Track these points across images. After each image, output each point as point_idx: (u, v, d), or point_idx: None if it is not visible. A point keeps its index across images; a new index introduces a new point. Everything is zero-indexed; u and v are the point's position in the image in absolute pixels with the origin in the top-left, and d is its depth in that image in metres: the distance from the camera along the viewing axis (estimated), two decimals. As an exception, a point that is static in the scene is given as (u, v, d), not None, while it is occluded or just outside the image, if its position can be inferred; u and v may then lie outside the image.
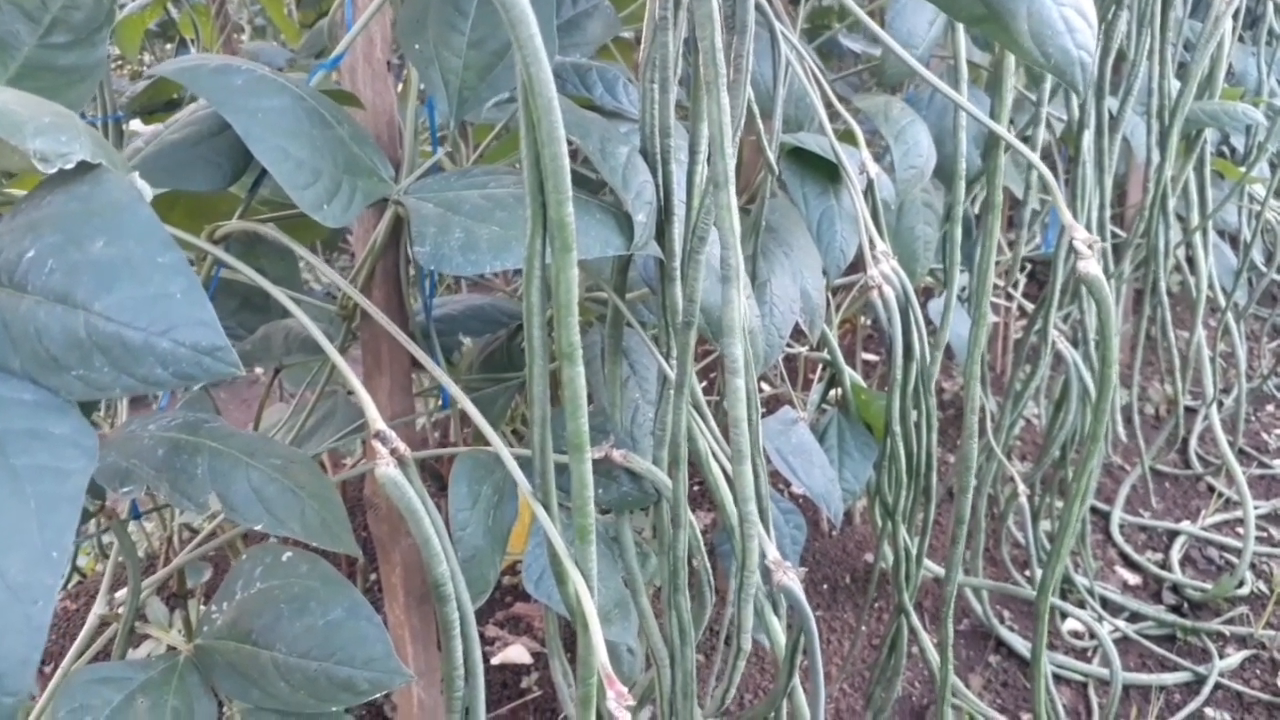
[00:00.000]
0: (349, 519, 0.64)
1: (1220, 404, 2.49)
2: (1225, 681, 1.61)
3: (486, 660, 1.38)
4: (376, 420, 0.53)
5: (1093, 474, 1.57)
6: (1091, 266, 0.63)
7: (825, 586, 1.79)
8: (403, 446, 0.54)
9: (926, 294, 1.81)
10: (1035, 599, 0.83)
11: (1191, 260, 1.86)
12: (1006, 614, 1.73)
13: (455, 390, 0.63)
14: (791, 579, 0.77)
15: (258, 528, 0.65)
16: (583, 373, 0.49)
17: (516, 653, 1.53)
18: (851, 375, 1.30)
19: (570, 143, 0.58)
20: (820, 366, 1.71)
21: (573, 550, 0.53)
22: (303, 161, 0.58)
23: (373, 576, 1.71)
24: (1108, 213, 1.38)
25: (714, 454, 0.82)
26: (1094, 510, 2.05)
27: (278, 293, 0.62)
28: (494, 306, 1.12)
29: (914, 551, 1.11)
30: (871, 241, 0.95)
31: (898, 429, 0.99)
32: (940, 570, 1.69)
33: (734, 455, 0.70)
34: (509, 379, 1.08)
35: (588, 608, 0.51)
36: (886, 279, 0.97)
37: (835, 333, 1.61)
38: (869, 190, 1.01)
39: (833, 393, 1.35)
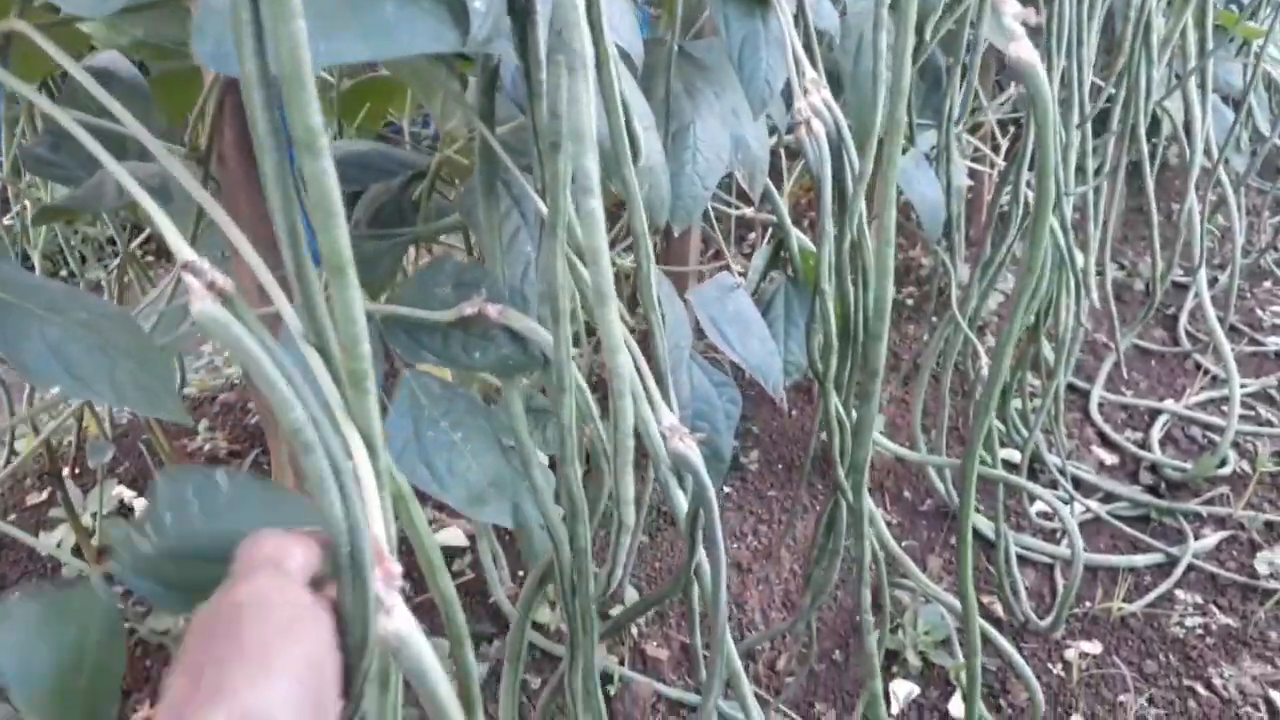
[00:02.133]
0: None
1: (1216, 280, 2.38)
2: (1199, 563, 1.54)
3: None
4: (183, 251, 0.42)
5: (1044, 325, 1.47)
6: (1024, 50, 0.51)
7: (780, 466, 1.71)
8: (223, 279, 0.43)
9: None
10: (963, 463, 0.74)
11: (1189, 126, 1.71)
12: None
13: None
14: (688, 446, 0.68)
15: (54, 391, 0.54)
16: (328, 170, 0.37)
17: (452, 535, 1.45)
18: (801, 239, 1.18)
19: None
20: (768, 230, 1.60)
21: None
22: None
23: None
24: (1089, 52, 1.24)
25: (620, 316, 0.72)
26: (1073, 388, 1.95)
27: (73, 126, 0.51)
28: (381, 153, 1.00)
29: (849, 424, 1.01)
30: (800, 70, 0.83)
31: (827, 287, 0.88)
32: (903, 450, 1.61)
33: (594, 297, 0.59)
34: (397, 235, 0.97)
35: (364, 473, 0.41)
36: (817, 113, 0.85)
37: (788, 190, 1.49)
38: (800, 13, 0.88)
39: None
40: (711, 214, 1.17)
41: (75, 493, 1.44)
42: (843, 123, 0.83)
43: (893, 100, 0.75)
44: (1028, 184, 1.40)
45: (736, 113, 1.02)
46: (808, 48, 0.87)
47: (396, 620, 0.36)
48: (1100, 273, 1.60)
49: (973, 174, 1.85)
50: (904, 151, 1.39)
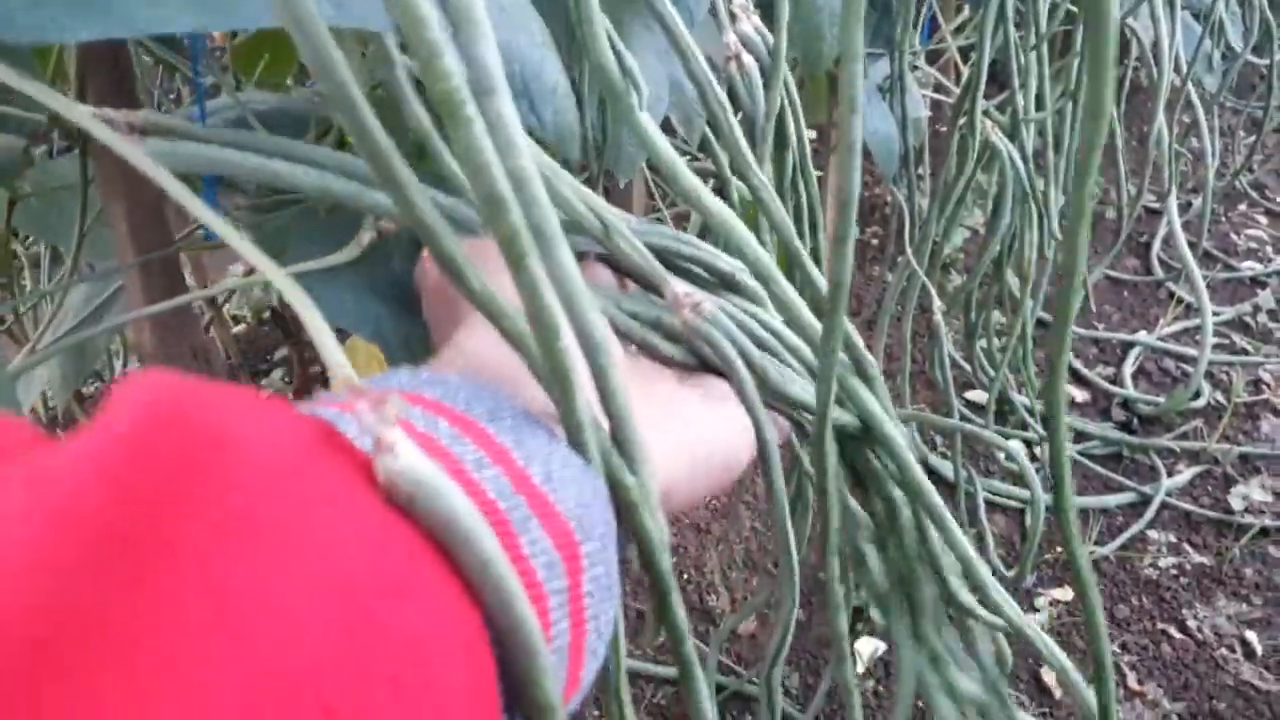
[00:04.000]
0: None
1: (1190, 205, 2.31)
2: (1173, 501, 1.49)
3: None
4: (343, 366, 0.34)
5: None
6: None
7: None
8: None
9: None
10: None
11: (1157, 44, 1.63)
12: (939, 439, 1.60)
13: (210, 219, 0.40)
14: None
15: None
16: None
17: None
18: (742, 189, 1.10)
19: None
20: (707, 181, 1.51)
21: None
22: None
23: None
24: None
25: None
26: (1043, 324, 1.89)
27: None
28: (282, 110, 0.91)
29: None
30: (723, -4, 0.75)
31: (768, 239, 0.80)
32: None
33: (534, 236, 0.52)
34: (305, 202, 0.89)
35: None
36: (747, 44, 0.77)
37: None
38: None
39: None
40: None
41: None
42: (779, 53, 0.75)
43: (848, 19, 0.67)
44: (985, 113, 1.33)
45: (669, 51, 0.94)
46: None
47: (403, 458, 0.20)
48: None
49: (937, 106, 1.77)
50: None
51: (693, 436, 0.33)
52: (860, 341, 0.44)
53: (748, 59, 0.71)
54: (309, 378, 1.39)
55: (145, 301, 0.54)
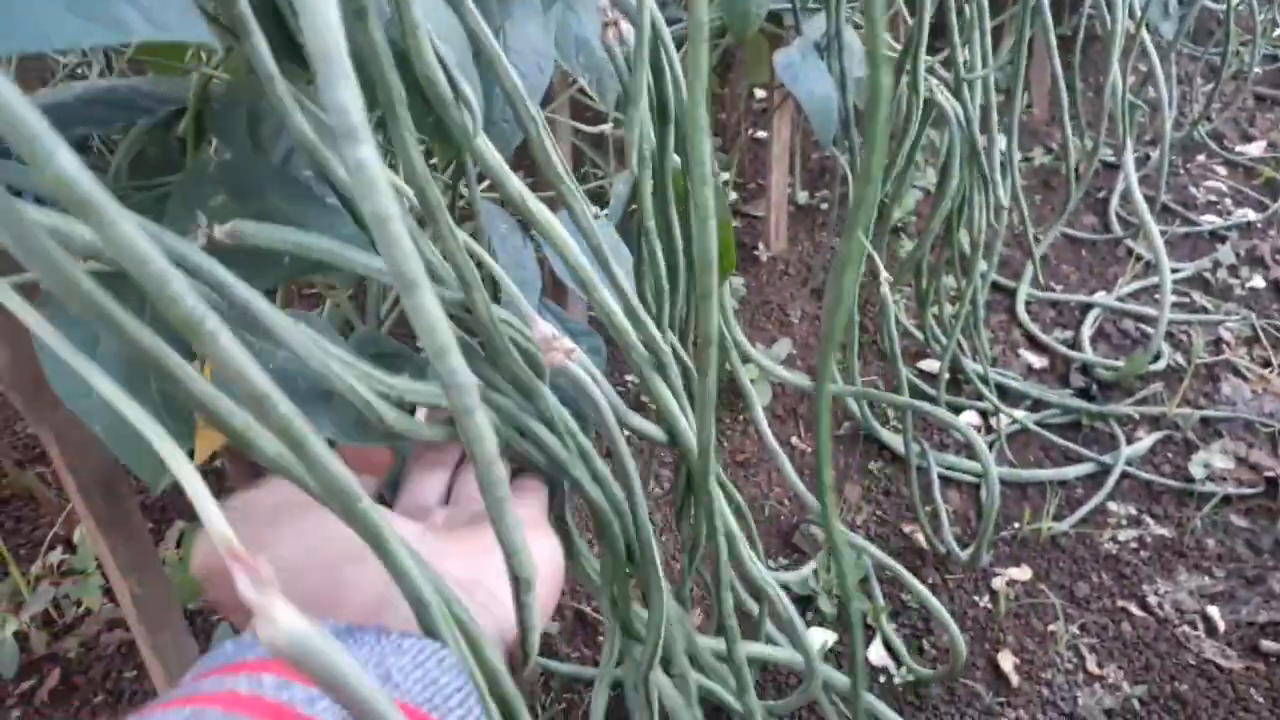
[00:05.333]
0: None
1: (1148, 158, 2.25)
2: (1132, 471, 1.44)
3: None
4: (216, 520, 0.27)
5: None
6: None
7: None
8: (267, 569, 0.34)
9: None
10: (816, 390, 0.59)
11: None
12: (892, 413, 1.53)
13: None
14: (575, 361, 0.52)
15: None
16: None
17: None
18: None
19: None
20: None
21: None
22: None
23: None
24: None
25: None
26: (998, 288, 1.83)
27: None
28: (131, 88, 0.82)
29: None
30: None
31: (652, 225, 0.72)
32: (804, 381, 1.47)
33: (396, 282, 0.43)
34: (165, 185, 0.80)
35: None
36: (625, 10, 0.68)
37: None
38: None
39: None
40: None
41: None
42: (659, 20, 0.66)
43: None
44: (929, 70, 1.25)
45: (573, 6, 0.85)
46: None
47: (284, 624, 0.21)
48: (1027, 159, 1.45)
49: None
50: (788, 43, 1.22)
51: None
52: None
53: (626, 27, 0.63)
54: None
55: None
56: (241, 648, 0.28)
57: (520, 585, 0.33)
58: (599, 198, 1.27)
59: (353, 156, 0.22)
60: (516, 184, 0.50)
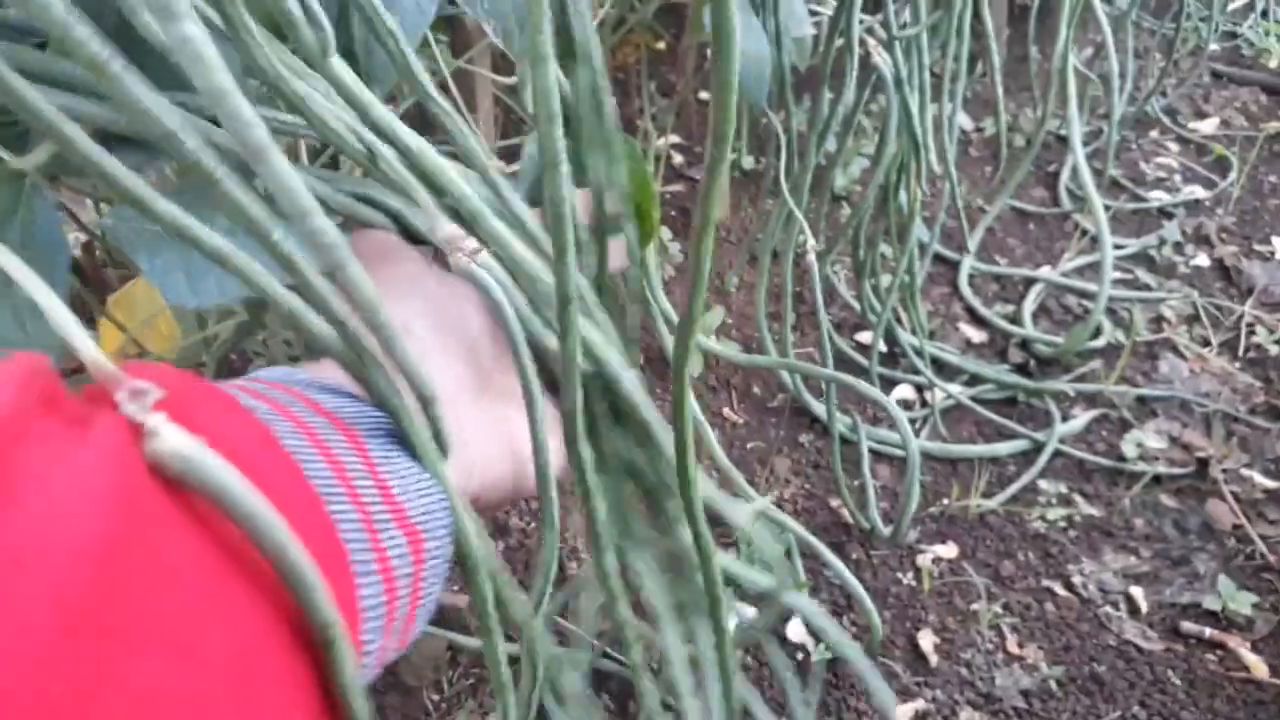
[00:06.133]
0: None
1: (1100, 132, 2.22)
2: (1065, 449, 1.42)
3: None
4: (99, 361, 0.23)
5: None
6: None
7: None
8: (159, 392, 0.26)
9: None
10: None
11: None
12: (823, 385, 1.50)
13: None
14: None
15: None
16: None
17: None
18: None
19: None
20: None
21: None
22: None
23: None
24: None
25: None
26: (941, 259, 1.80)
27: None
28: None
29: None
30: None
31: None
32: (739, 355, 1.44)
33: (248, 154, 0.39)
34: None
35: None
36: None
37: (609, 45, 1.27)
38: None
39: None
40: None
41: None
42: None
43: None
44: (867, 30, 1.20)
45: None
46: None
47: (168, 440, 0.21)
48: (979, 129, 1.42)
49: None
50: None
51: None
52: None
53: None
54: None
55: None
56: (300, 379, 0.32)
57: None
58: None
59: (176, 33, 0.22)
60: (381, 111, 0.46)
